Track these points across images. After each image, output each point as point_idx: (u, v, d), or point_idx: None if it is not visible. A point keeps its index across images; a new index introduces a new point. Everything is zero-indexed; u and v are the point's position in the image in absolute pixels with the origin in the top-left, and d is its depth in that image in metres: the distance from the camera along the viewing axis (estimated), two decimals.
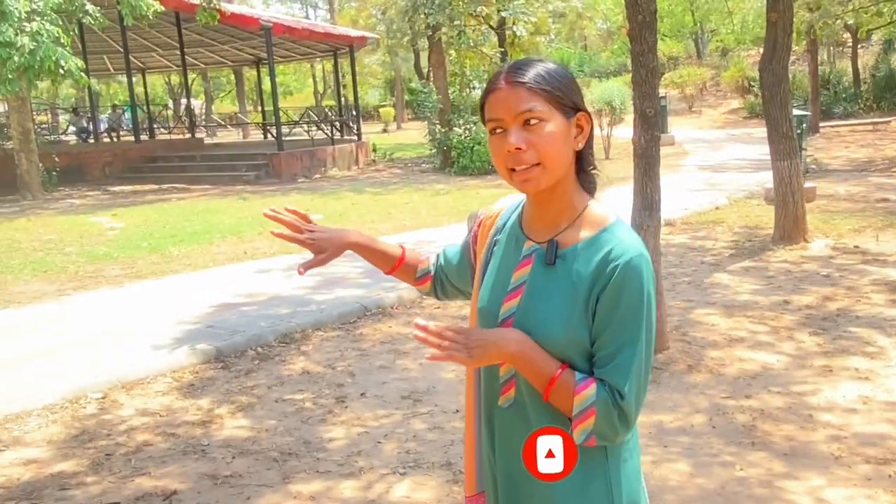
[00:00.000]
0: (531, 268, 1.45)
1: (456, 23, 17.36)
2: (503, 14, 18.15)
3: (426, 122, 19.88)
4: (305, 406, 4.46)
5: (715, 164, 15.60)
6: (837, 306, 5.79)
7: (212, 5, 16.42)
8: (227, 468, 3.73)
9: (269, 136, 22.46)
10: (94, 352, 5.55)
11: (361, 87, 32.06)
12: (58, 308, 6.92)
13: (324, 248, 1.66)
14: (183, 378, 5.01)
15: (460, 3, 17.14)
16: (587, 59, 39.98)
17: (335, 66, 26.15)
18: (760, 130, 10.75)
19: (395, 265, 1.75)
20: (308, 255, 1.68)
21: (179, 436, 4.13)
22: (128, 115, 24.58)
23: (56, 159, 17.71)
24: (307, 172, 18.51)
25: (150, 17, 15.22)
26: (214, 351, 5.37)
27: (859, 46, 24.48)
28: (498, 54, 18.63)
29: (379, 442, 3.95)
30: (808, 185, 9.13)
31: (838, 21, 19.39)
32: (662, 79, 25.74)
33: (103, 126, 24.39)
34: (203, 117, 33.44)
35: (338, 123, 22.37)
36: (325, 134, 21.00)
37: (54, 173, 17.10)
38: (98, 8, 14.86)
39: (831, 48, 28.46)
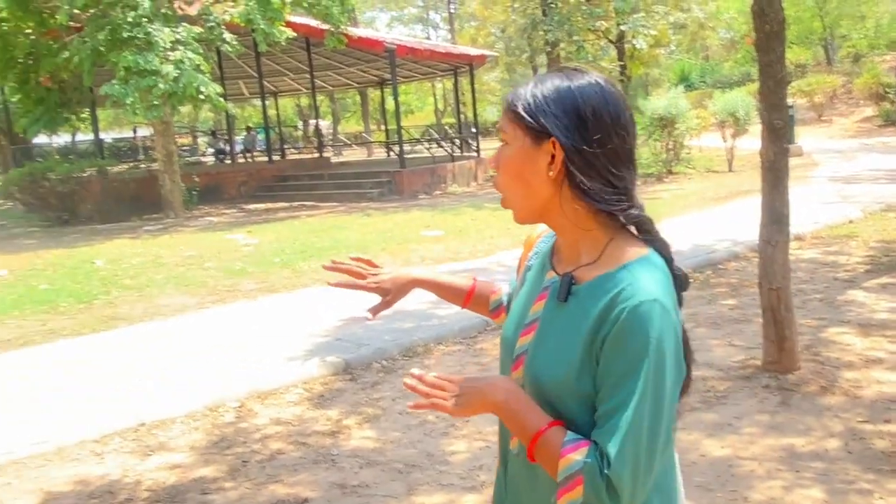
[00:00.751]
0: (545, 303, 1.33)
1: (575, 38, 17.35)
2: (622, 28, 18.01)
3: None
4: (428, 419, 4.57)
5: (847, 176, 14.75)
6: None
7: (339, 30, 17.22)
8: (355, 478, 3.87)
9: (391, 154, 23.09)
10: (232, 362, 5.89)
11: (480, 104, 32.38)
12: (198, 320, 7.38)
13: (388, 290, 1.66)
14: (313, 389, 5.24)
15: (579, 18, 17.12)
16: (709, 70, 38.81)
17: (455, 84, 26.63)
18: None
19: (466, 298, 1.68)
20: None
21: (310, 445, 4.32)
22: (261, 136, 25.90)
23: (196, 179, 18.81)
24: (428, 189, 18.87)
25: (283, 43, 16.03)
26: (343, 363, 5.59)
27: None
28: (617, 68, 18.44)
29: None
30: None
31: None
32: (790, 87, 24.59)
33: (239, 147, 25.80)
34: (330, 137, 34.72)
35: (457, 140, 22.71)
36: (446, 151, 21.38)
37: (194, 193, 18.13)
38: (235, 36, 15.77)
39: None
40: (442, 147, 21.77)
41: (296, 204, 18.10)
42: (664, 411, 1.18)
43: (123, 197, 17.68)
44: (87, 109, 19.58)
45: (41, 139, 26.67)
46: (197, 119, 44.17)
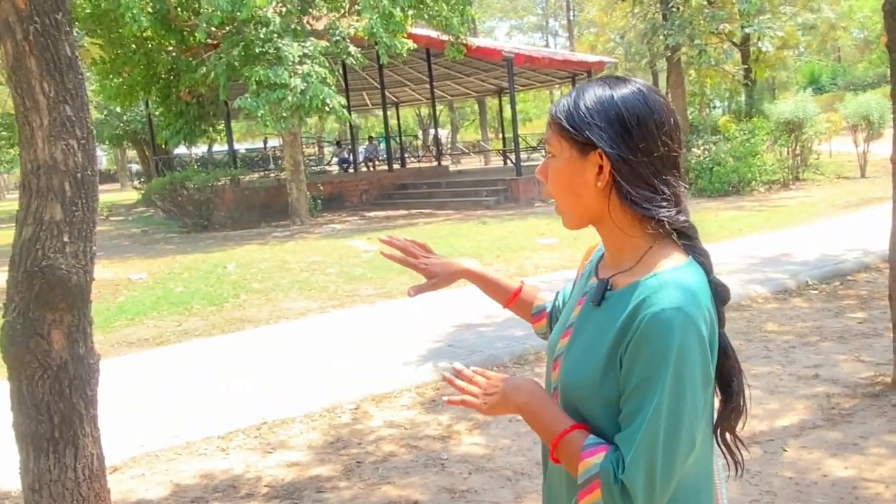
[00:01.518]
0: (582, 307, 1.36)
1: (696, 42, 16.88)
2: (747, 30, 17.38)
3: None
4: None
5: None
6: None
7: (459, 41, 17.46)
8: (464, 483, 3.93)
9: (508, 162, 23.15)
10: (350, 365, 6.09)
11: None
12: (319, 323, 7.68)
13: (436, 274, 1.69)
14: (425, 394, 5.35)
15: (701, 21, 16.64)
16: (841, 72, 36.75)
17: None
18: None
19: (510, 298, 1.71)
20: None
21: (421, 448, 4.42)
22: (382, 146, 26.59)
23: (321, 188, 19.52)
24: (544, 197, 18.75)
25: (404, 54, 16.42)
26: (453, 369, 5.66)
27: None
28: (741, 72, 17.80)
29: None
30: None
31: None
32: None
33: (361, 157, 26.59)
34: (448, 146, 35.20)
35: None
36: None
37: (319, 200, 18.81)
38: (359, 49, 16.29)
39: None
40: None
41: (414, 211, 18.46)
42: (684, 420, 1.17)
43: (254, 204, 18.60)
44: (223, 122, 20.74)
45: (181, 150, 28.46)
46: (323, 130, 45.82)
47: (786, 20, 18.01)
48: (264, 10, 14.53)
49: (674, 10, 16.70)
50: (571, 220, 1.32)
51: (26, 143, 2.09)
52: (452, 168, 28.27)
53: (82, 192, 2.13)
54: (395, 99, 29.37)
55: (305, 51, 14.92)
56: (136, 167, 41.32)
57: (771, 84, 35.90)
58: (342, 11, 16.80)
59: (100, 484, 2.29)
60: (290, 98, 14.52)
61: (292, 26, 15.29)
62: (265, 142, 36.02)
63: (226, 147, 24.05)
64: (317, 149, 38.41)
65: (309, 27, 16.16)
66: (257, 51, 14.63)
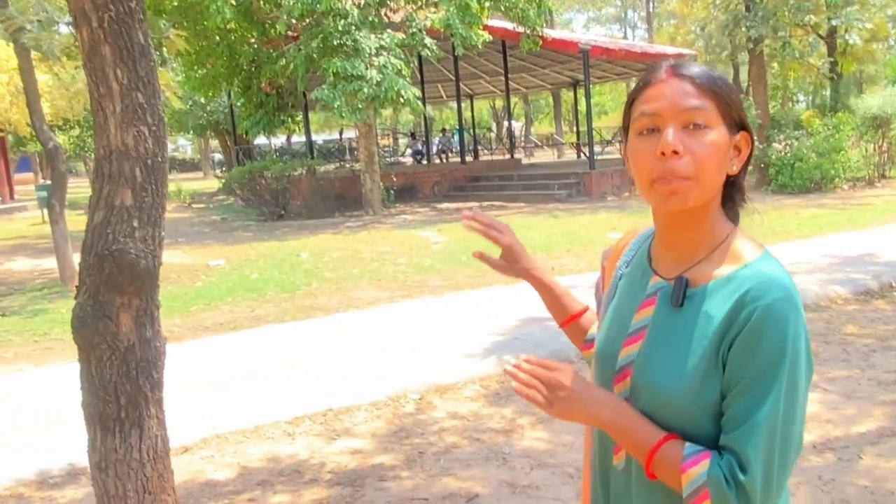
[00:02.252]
0: (655, 309, 1.25)
1: (780, 34, 16.33)
2: (834, 22, 16.73)
3: None
4: None
5: None
6: None
7: (535, 33, 17.32)
8: (526, 478, 3.90)
9: (582, 155, 22.87)
10: (416, 355, 6.12)
11: None
12: (387, 313, 7.74)
13: (512, 256, 1.62)
14: (490, 386, 5.33)
15: (786, 12, 16.07)
16: None
17: None
18: None
19: (569, 319, 1.64)
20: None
21: (483, 441, 4.41)
22: (456, 138, 26.64)
23: (394, 179, 19.69)
24: (616, 191, 18.51)
25: (479, 46, 16.38)
26: (515, 363, 5.63)
27: None
28: (826, 65, 17.14)
29: None
30: None
31: None
32: None
33: (435, 149, 26.70)
34: (522, 138, 35.01)
35: None
36: None
37: (392, 191, 18.98)
38: (434, 41, 16.33)
39: None
40: None
41: (485, 204, 18.43)
42: (797, 416, 1.12)
43: (328, 194, 18.89)
44: (301, 113, 21.12)
45: (261, 140, 29.15)
46: (397, 121, 46.19)
47: (875, 11, 17.29)
48: (343, 2, 14.71)
49: (757, 0, 16.19)
50: (699, 198, 1.17)
51: (100, 130, 2.15)
52: (525, 161, 28.09)
53: (152, 178, 2.19)
54: (469, 91, 29.34)
55: (382, 43, 15.05)
56: (218, 156, 42.51)
57: (858, 78, 34.39)
58: (419, 3, 16.86)
59: (163, 465, 2.35)
60: (365, 89, 14.68)
61: (370, 18, 15.43)
62: (341, 133, 36.57)
63: (303, 138, 24.49)
64: (391, 140, 38.77)
65: (386, 19, 16.28)
66: (335, 43, 14.83)
